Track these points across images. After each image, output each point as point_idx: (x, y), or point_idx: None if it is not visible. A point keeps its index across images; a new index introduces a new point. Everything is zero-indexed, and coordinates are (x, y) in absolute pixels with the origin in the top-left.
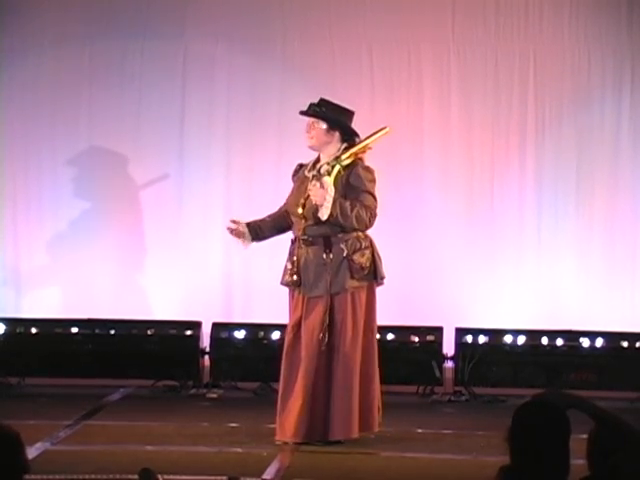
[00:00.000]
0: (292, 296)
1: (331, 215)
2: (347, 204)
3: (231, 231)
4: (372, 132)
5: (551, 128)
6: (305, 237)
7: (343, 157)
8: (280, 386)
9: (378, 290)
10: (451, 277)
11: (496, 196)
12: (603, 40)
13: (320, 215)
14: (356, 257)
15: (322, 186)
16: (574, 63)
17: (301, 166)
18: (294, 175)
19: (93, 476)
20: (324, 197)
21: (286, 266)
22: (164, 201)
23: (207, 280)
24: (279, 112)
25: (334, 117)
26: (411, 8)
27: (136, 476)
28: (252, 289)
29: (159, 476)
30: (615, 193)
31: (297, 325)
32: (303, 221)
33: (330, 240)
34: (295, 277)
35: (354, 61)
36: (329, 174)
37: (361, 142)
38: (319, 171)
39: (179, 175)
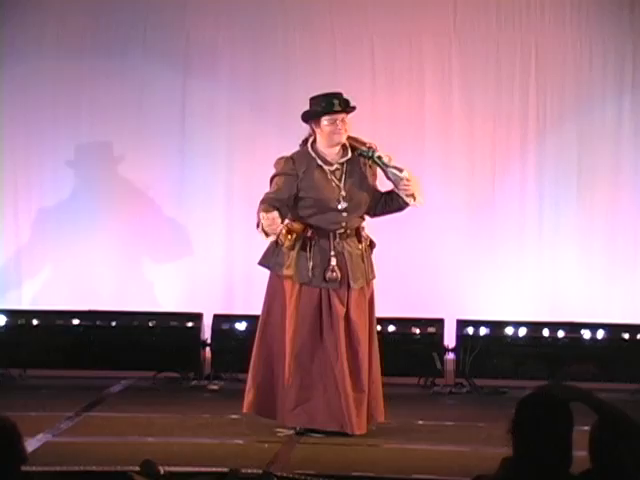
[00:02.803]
0: (315, 293)
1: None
2: None
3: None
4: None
5: (552, 120)
6: (342, 230)
7: (380, 152)
8: (342, 379)
9: (380, 282)
10: (452, 269)
11: (497, 188)
12: (605, 31)
13: (420, 203)
14: (373, 245)
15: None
16: (576, 54)
17: (292, 159)
18: (291, 168)
19: (94, 468)
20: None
21: (329, 262)
22: (166, 192)
23: (208, 272)
24: (281, 103)
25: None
26: None
27: (138, 467)
28: (253, 280)
29: (160, 467)
30: (616, 185)
31: (341, 319)
32: (345, 214)
33: (359, 230)
34: (339, 272)
35: (355, 52)
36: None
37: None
38: (382, 162)
39: (180, 166)
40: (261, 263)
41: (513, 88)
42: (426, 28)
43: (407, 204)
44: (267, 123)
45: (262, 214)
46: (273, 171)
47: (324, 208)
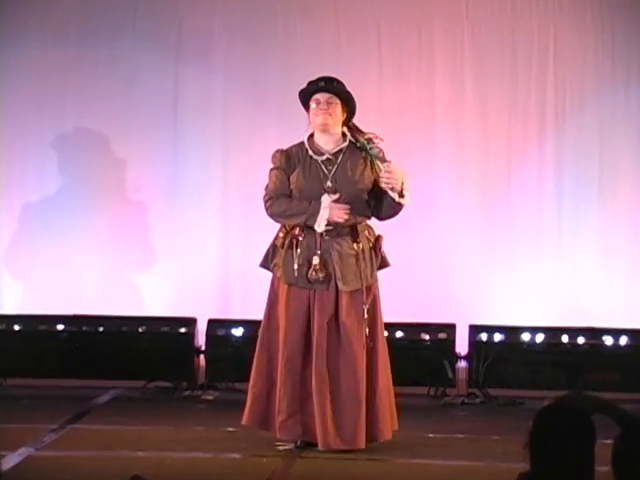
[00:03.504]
0: (304, 294)
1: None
2: None
3: None
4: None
5: (572, 113)
6: (331, 227)
7: (375, 144)
8: (317, 389)
9: (387, 285)
10: (464, 271)
11: (513, 186)
12: (628, 17)
13: (407, 201)
14: (378, 245)
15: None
16: (597, 43)
17: (287, 152)
18: (281, 161)
19: None
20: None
21: (310, 261)
22: (157, 189)
23: (202, 274)
24: (280, 94)
25: (351, 98)
26: None
27: None
28: (251, 283)
29: None
30: None
31: (326, 323)
32: None
33: (357, 229)
34: (323, 273)
35: (361, 40)
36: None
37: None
38: (371, 153)
39: (173, 161)
40: (262, 265)
41: (530, 80)
42: (437, 14)
43: (394, 201)
44: (265, 116)
45: (330, 204)
46: (270, 165)
47: (308, 201)
